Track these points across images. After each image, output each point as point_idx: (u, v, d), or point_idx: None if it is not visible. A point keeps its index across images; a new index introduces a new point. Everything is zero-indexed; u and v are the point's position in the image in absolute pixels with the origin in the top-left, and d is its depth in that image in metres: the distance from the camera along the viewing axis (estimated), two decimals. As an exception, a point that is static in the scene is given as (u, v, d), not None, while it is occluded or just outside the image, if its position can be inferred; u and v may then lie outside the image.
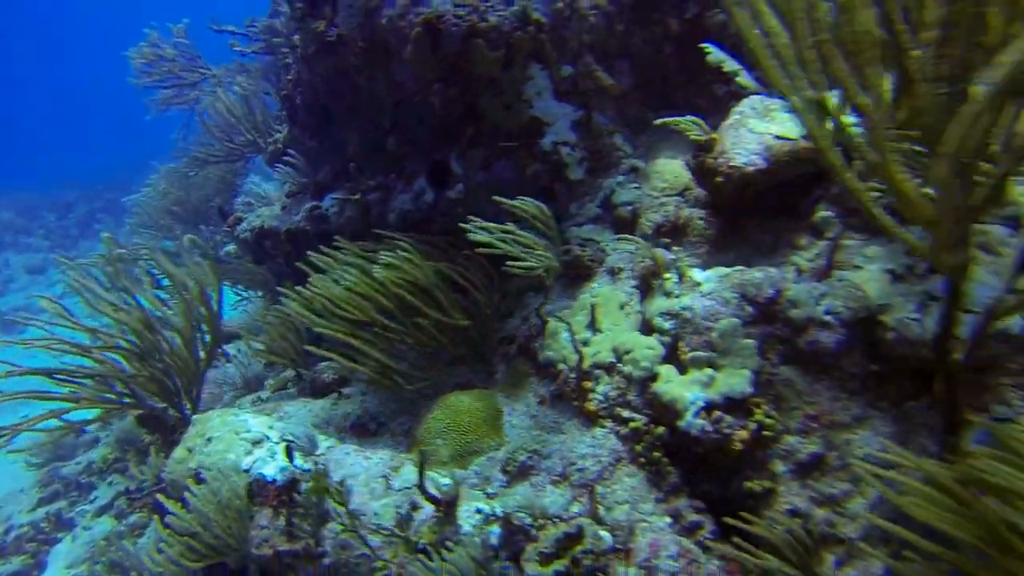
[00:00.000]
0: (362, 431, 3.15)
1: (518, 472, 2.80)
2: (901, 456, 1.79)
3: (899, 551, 1.91)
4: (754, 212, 3.05)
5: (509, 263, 2.84)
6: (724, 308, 2.61)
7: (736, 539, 2.36)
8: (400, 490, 2.71)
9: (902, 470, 1.84)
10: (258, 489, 2.66)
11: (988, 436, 2.15)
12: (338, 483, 2.65)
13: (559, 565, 2.35)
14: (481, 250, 2.85)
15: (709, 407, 2.50)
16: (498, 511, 2.52)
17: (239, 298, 5.75)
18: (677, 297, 2.77)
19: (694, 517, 2.55)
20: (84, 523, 5.10)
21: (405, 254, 3.05)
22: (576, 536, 2.42)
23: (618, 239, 3.16)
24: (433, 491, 2.48)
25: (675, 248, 3.09)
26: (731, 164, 2.90)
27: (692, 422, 2.49)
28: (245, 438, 2.78)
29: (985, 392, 2.35)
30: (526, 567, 2.37)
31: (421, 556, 2.42)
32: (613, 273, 3.15)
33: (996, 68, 1.56)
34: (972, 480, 1.67)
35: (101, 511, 5.06)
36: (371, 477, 2.78)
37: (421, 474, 2.43)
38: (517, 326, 3.27)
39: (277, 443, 2.84)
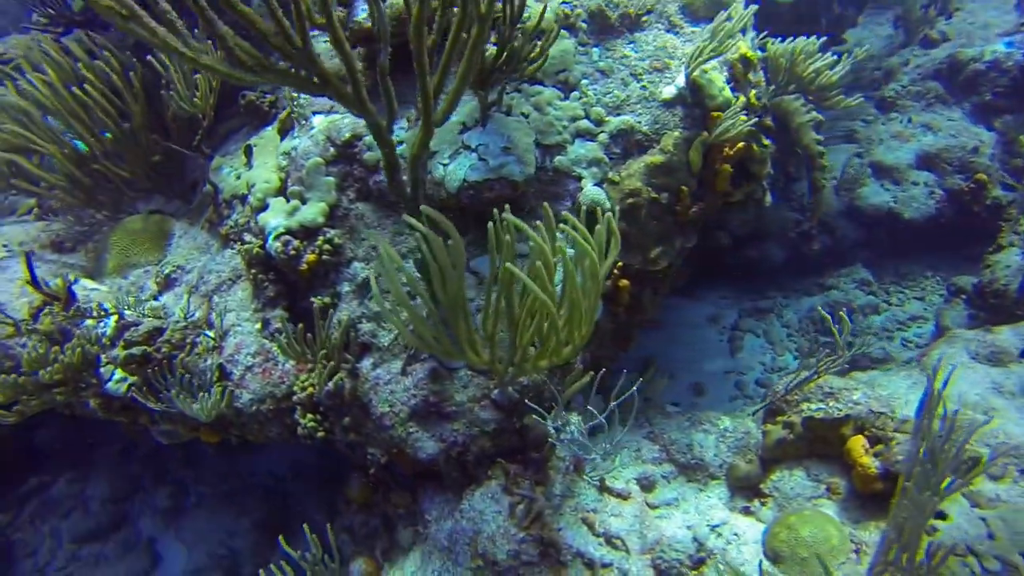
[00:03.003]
0: (60, 248, 3.61)
1: (165, 283, 3.27)
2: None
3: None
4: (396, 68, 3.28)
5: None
6: (315, 148, 2.95)
7: (295, 336, 2.83)
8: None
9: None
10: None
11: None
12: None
13: (136, 350, 2.84)
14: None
15: (286, 233, 2.89)
16: (108, 308, 3.00)
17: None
18: (296, 139, 3.10)
19: (278, 325, 3.01)
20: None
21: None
22: (160, 329, 2.91)
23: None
24: (47, 290, 2.96)
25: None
26: (354, 19, 3.12)
27: (270, 244, 2.90)
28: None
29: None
30: (111, 351, 2.88)
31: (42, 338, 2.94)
32: (288, 118, 3.46)
33: None
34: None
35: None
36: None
37: (30, 270, 2.89)
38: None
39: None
